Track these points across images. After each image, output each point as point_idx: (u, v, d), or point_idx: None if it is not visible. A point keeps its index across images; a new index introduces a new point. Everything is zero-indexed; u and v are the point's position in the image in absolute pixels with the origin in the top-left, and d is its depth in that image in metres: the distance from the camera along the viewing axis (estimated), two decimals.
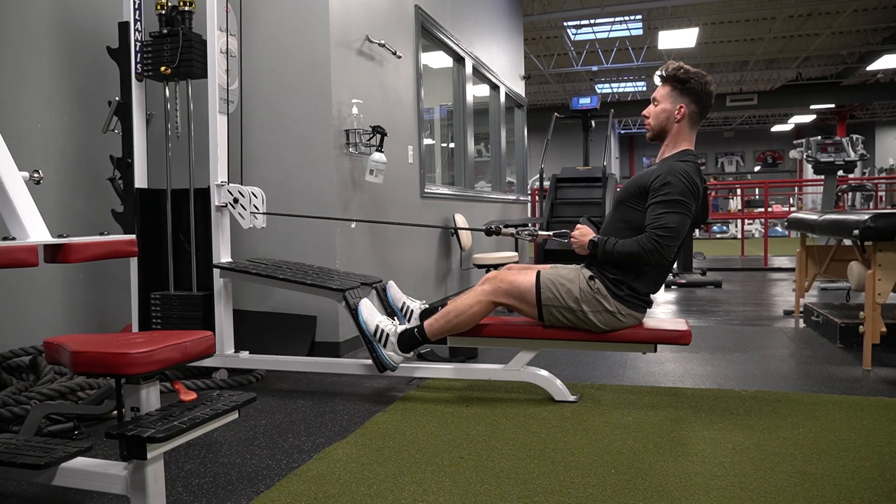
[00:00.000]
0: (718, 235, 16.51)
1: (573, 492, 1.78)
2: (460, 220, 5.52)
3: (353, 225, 3.70)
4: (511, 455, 2.05)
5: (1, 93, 2.79)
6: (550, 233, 2.77)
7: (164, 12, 2.90)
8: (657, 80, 2.59)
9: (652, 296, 2.57)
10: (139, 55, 2.85)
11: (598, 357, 3.37)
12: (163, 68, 2.82)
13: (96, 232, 2.05)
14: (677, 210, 2.36)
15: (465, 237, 5.51)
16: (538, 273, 2.56)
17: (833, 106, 17.87)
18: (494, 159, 7.67)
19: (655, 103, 2.54)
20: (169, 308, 2.91)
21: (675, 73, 2.49)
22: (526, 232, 2.80)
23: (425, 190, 4.91)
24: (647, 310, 2.57)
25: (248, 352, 2.98)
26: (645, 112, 2.59)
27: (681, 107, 2.49)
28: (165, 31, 2.85)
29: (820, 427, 2.26)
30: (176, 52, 2.80)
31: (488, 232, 2.85)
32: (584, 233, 2.54)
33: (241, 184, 2.96)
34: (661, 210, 2.37)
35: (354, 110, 3.64)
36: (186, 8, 2.90)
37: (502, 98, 7.52)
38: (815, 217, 3.78)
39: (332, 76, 3.52)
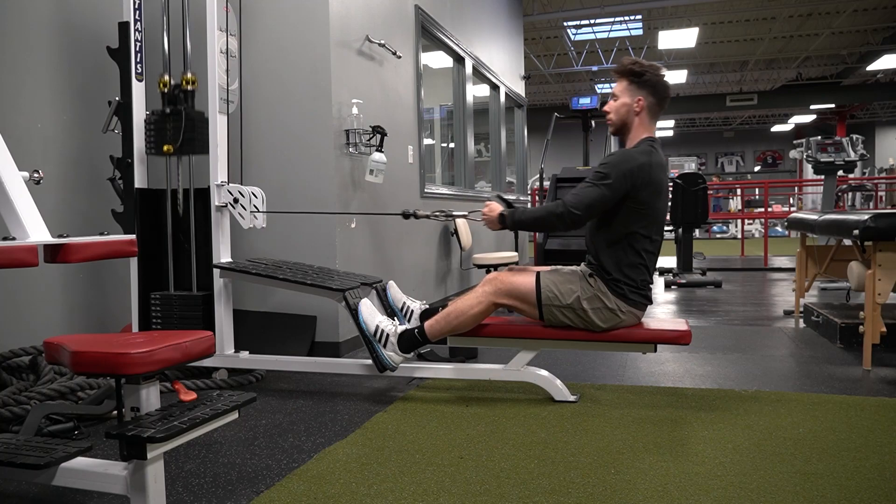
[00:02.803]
0: (718, 235, 16.50)
1: (573, 492, 1.78)
2: (461, 221, 5.52)
3: (353, 224, 3.70)
4: (511, 455, 2.05)
5: (1, 93, 2.79)
6: (466, 213, 2.87)
7: (166, 91, 2.94)
8: (615, 78, 2.66)
9: (650, 292, 2.57)
10: (146, 133, 2.91)
11: (598, 357, 3.37)
12: (166, 147, 2.87)
13: (96, 232, 2.05)
14: (595, 182, 2.45)
15: (465, 237, 5.51)
16: (538, 273, 2.57)
17: (833, 106, 17.85)
18: (494, 159, 7.67)
19: (615, 99, 2.61)
20: (169, 308, 2.91)
21: (630, 67, 2.57)
22: (441, 214, 2.91)
23: (425, 190, 4.91)
24: (647, 307, 2.57)
25: (248, 352, 2.98)
26: (606, 108, 2.65)
27: (639, 99, 2.55)
28: (168, 110, 2.90)
29: (820, 427, 2.26)
30: (179, 131, 2.85)
31: (405, 215, 2.96)
32: (492, 208, 2.63)
33: (241, 184, 2.96)
34: (583, 184, 2.49)
35: (354, 110, 3.64)
36: (189, 87, 2.94)
37: (502, 98, 7.52)
38: (815, 217, 3.78)
39: (332, 76, 3.52)
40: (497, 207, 2.62)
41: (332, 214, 3.50)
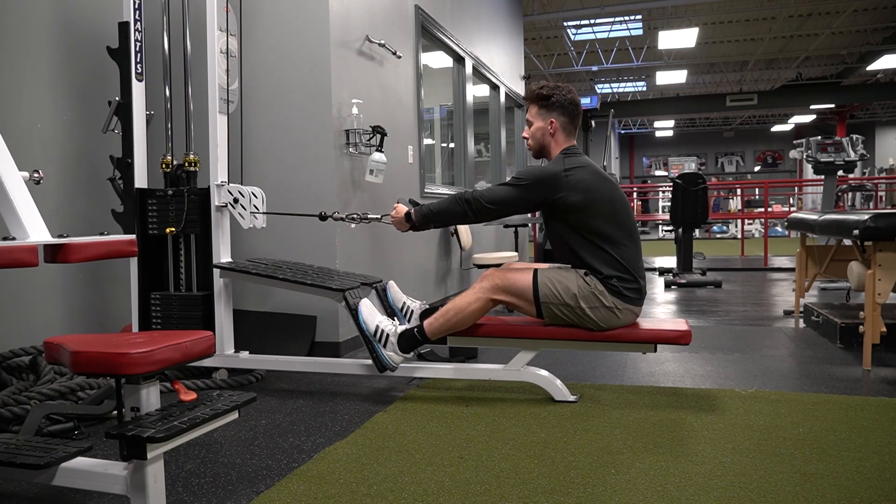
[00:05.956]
0: (718, 235, 16.50)
1: (573, 492, 1.78)
2: None
3: (353, 225, 3.70)
4: (511, 455, 2.05)
5: (1, 93, 2.79)
6: (379, 215, 2.92)
7: (168, 171, 2.97)
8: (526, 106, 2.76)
9: (643, 285, 2.57)
10: (150, 212, 2.92)
11: (598, 357, 3.37)
12: (168, 230, 2.89)
13: (96, 232, 2.05)
14: (508, 183, 2.58)
15: (465, 237, 5.51)
16: (535, 271, 2.58)
17: (833, 106, 17.87)
18: (494, 159, 7.67)
19: (529, 124, 2.71)
20: (169, 308, 2.91)
21: (538, 92, 2.67)
22: (355, 216, 2.94)
23: (425, 190, 4.91)
24: (643, 303, 2.57)
25: (248, 352, 2.98)
26: (524, 135, 2.75)
27: (552, 121, 2.65)
28: (171, 191, 2.91)
29: (820, 427, 2.26)
30: (181, 213, 2.87)
31: (322, 217, 2.98)
32: (399, 210, 2.72)
33: (241, 184, 2.96)
34: (498, 183, 2.64)
35: (354, 110, 3.65)
36: (191, 169, 2.97)
37: (502, 98, 7.52)
38: (815, 217, 3.78)
39: (332, 76, 3.52)
40: (403, 208, 2.70)
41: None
